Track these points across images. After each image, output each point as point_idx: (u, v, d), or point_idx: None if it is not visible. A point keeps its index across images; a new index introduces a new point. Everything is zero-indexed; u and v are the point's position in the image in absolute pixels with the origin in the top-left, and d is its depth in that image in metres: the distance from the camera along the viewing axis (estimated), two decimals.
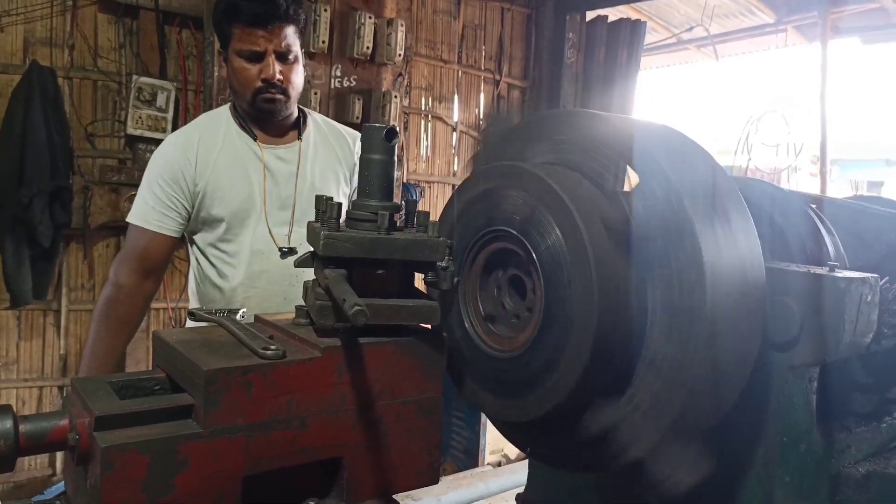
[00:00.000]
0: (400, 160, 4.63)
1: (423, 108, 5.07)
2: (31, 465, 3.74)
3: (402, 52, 4.33)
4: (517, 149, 1.12)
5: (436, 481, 0.99)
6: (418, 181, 5.04)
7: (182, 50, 3.88)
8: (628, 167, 0.95)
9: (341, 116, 4.27)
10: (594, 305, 0.87)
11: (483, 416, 3.52)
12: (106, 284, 1.94)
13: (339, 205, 0.91)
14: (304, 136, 1.97)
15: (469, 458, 3.90)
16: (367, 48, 4.20)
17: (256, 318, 1.03)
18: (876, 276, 1.00)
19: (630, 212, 0.94)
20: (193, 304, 2.07)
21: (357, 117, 4.25)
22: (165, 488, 0.77)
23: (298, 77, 1.89)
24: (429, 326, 0.97)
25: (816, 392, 1.02)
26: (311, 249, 0.98)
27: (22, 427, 0.78)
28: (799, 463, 1.02)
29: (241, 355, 0.84)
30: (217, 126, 1.94)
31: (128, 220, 1.92)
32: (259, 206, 1.89)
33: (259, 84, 1.82)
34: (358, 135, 2.04)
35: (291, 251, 1.86)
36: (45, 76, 3.48)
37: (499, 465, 3.06)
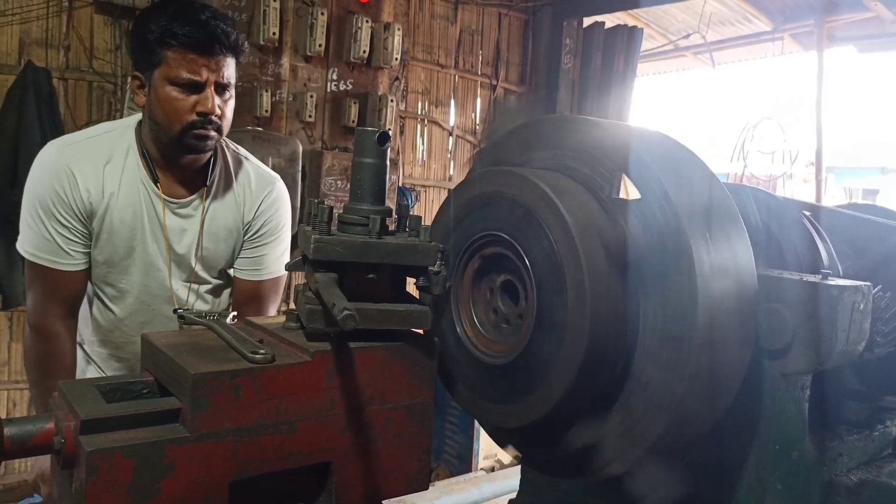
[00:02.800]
0: (395, 164, 4.63)
1: (419, 113, 5.08)
2: (22, 468, 3.71)
3: (398, 57, 4.34)
4: (513, 153, 1.11)
5: (425, 487, 0.98)
6: (414, 185, 5.04)
7: None
8: (624, 176, 0.95)
9: (337, 120, 4.28)
10: (586, 313, 0.87)
11: (476, 422, 3.51)
12: (33, 337, 1.75)
13: (331, 208, 0.90)
14: (210, 186, 1.77)
15: (462, 463, 3.89)
16: (364, 52, 4.20)
17: (246, 321, 1.02)
18: (868, 284, 1.00)
19: (624, 219, 0.94)
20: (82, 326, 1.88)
21: (353, 121, 4.25)
22: (151, 493, 0.76)
23: (231, 114, 1.71)
24: (420, 331, 0.97)
25: (809, 400, 1.02)
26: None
27: (7, 430, 0.77)
28: (791, 471, 1.01)
29: (229, 359, 0.83)
30: (116, 155, 1.71)
31: (29, 258, 1.69)
32: (151, 261, 1.75)
33: (193, 118, 1.61)
34: (272, 185, 1.89)
35: (181, 317, 1.19)
36: (40, 77, 3.47)
37: (492, 470, 3.05)
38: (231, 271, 1.91)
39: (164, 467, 0.76)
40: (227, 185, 1.83)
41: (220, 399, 0.79)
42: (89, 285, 1.81)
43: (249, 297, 1.92)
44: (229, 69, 1.65)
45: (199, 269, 1.83)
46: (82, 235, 1.70)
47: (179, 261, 1.79)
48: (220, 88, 1.64)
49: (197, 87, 1.61)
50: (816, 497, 1.09)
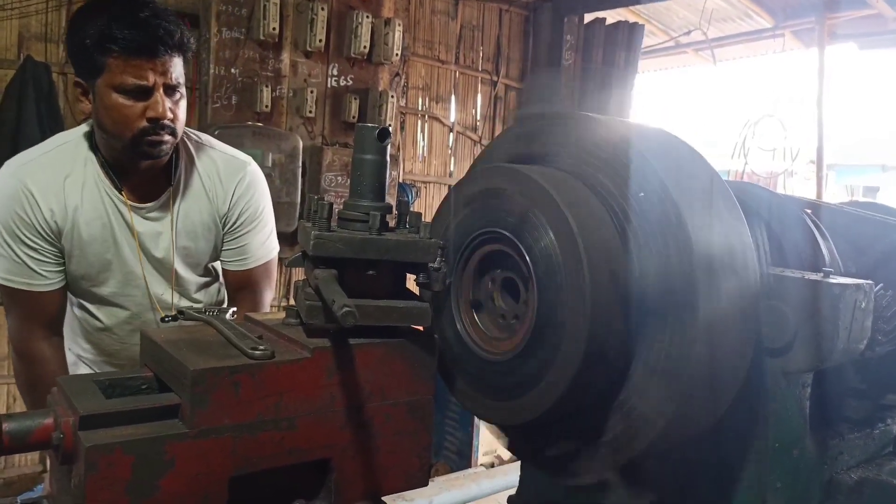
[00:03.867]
0: (396, 160, 4.62)
1: (419, 109, 5.07)
2: (22, 462, 3.71)
3: (399, 52, 4.33)
4: (513, 150, 1.11)
5: (425, 484, 0.98)
6: (414, 181, 5.04)
7: None
8: (625, 173, 0.95)
9: (337, 116, 4.27)
10: (587, 310, 0.87)
11: (476, 418, 3.51)
12: (20, 363, 1.72)
13: (331, 204, 0.90)
14: (176, 185, 1.71)
15: (462, 459, 3.89)
16: (365, 48, 4.20)
17: (246, 317, 1.02)
18: (870, 282, 1.00)
19: (625, 216, 0.93)
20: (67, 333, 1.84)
21: (353, 117, 4.25)
22: (150, 489, 0.76)
23: (184, 114, 1.63)
24: (420, 328, 0.97)
25: (810, 398, 1.02)
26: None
27: (5, 426, 0.77)
28: (791, 469, 1.01)
29: (229, 355, 0.83)
30: (76, 168, 1.64)
31: (2, 283, 1.64)
32: (128, 270, 1.70)
33: (144, 124, 1.53)
34: (242, 171, 1.81)
35: (180, 313, 1.23)
36: (40, 71, 3.46)
37: (492, 466, 3.06)
38: (217, 265, 1.88)
39: (164, 463, 0.76)
40: (194, 179, 1.75)
41: (220, 395, 0.79)
42: (73, 297, 1.78)
43: (241, 285, 1.87)
44: (177, 69, 1.57)
45: (180, 269, 1.78)
46: (52, 255, 1.65)
47: (159, 265, 1.74)
48: (170, 90, 1.56)
49: (145, 92, 1.52)
50: (817, 495, 1.08)
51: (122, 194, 1.66)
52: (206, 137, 1.85)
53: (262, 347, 0.83)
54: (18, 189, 1.60)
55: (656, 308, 0.90)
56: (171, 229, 1.73)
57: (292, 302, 0.98)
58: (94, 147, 1.66)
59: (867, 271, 1.19)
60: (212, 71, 3.75)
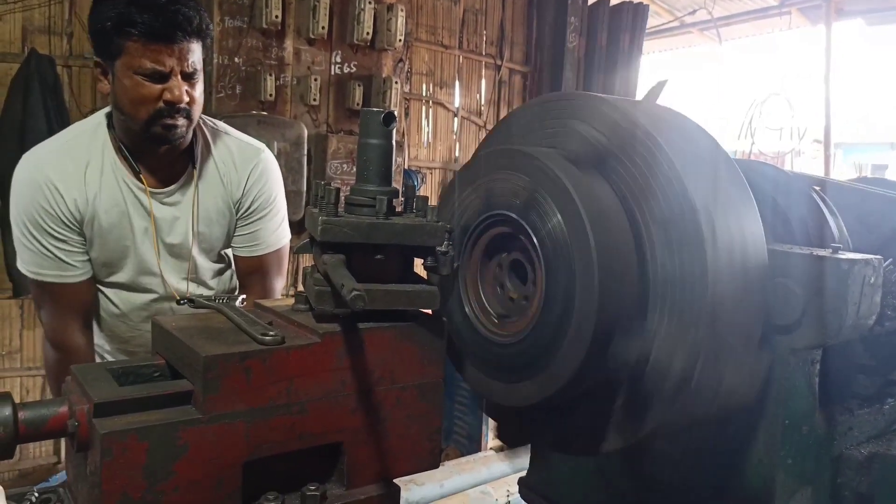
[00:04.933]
0: (401, 146, 4.61)
1: (423, 94, 5.05)
2: (37, 454, 3.76)
3: (402, 38, 4.30)
4: (521, 132, 1.11)
5: (436, 466, 0.99)
6: (419, 167, 5.03)
7: None
8: (630, 152, 0.94)
9: (342, 103, 4.26)
10: (595, 290, 0.87)
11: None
12: (55, 354, 1.74)
13: (338, 190, 0.90)
14: (197, 170, 1.72)
15: (472, 443, 3.91)
16: (368, 34, 4.17)
17: (256, 304, 1.03)
18: (879, 258, 0.99)
19: (632, 196, 0.93)
20: None
21: (357, 104, 4.23)
22: (165, 474, 0.77)
23: (202, 99, 1.65)
24: (429, 311, 0.97)
25: (819, 374, 1.02)
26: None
27: (21, 414, 0.78)
28: (801, 445, 1.02)
29: (239, 341, 0.84)
30: (94, 156, 1.66)
31: (34, 277, 1.67)
32: (145, 257, 1.72)
33: (160, 106, 1.56)
34: (256, 158, 1.83)
35: (191, 301, 1.22)
36: (44, 64, 3.46)
37: (501, 449, 3.07)
38: (229, 251, 1.89)
39: (178, 448, 0.77)
40: (210, 165, 1.77)
41: (231, 381, 0.79)
42: (105, 313, 1.80)
43: (252, 272, 1.88)
44: (195, 55, 1.58)
45: (197, 255, 1.79)
46: (80, 244, 1.67)
47: (175, 251, 1.75)
48: (187, 75, 1.58)
49: (162, 77, 1.54)
50: (826, 471, 1.09)
51: (140, 179, 1.67)
52: (220, 124, 1.86)
53: (272, 333, 0.84)
54: (41, 181, 1.62)
55: (664, 286, 0.90)
56: (191, 214, 1.74)
57: (301, 288, 0.99)
58: (111, 133, 1.67)
59: (876, 247, 1.18)
60: (215, 60, 3.74)
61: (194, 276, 1.82)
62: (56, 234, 1.64)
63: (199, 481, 0.79)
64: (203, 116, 1.76)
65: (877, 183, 1.51)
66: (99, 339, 1.87)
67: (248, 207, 1.82)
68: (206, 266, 1.84)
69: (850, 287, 0.94)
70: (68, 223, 1.64)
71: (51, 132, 3.55)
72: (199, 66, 1.61)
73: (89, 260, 1.70)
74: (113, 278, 1.75)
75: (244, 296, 1.04)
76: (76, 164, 1.64)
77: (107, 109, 1.70)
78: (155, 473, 0.76)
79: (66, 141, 1.69)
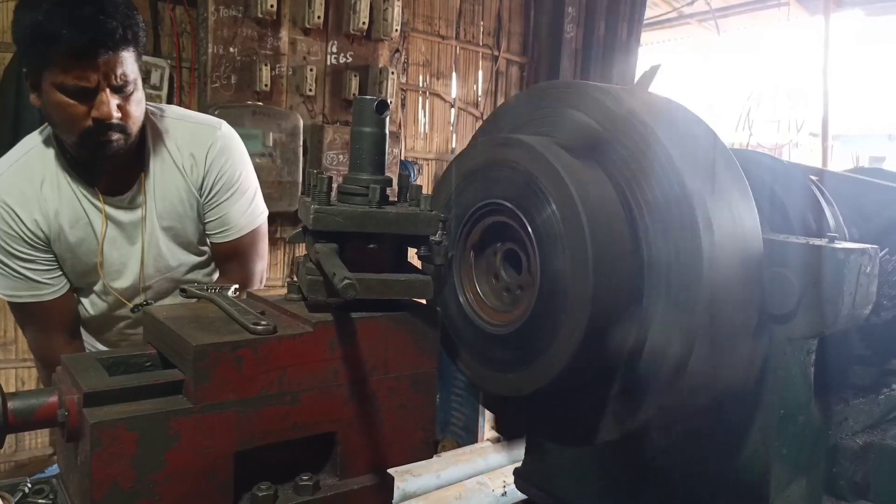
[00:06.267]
0: (397, 137, 4.60)
1: (420, 85, 5.02)
2: (32, 445, 3.76)
3: (398, 28, 4.28)
4: (516, 121, 1.10)
5: (430, 456, 0.98)
6: (416, 158, 5.01)
7: (175, 27, 3.84)
8: (624, 141, 0.94)
9: (338, 94, 4.24)
10: (589, 280, 0.86)
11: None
12: (46, 371, 1.69)
13: (330, 178, 0.89)
14: (146, 168, 1.64)
15: (469, 434, 3.92)
16: (364, 24, 4.15)
17: (248, 293, 1.02)
18: (875, 247, 0.99)
19: (627, 184, 0.93)
20: None
21: (354, 94, 4.21)
22: (156, 464, 0.76)
23: (140, 107, 1.53)
24: (423, 301, 0.96)
25: (815, 364, 1.01)
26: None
27: (10, 404, 0.77)
28: (797, 435, 1.01)
29: (231, 331, 0.83)
30: (48, 172, 1.59)
31: (10, 300, 1.63)
32: (119, 265, 1.68)
33: (89, 124, 1.45)
34: (212, 137, 1.72)
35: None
36: None
37: (498, 440, 3.08)
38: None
39: (169, 438, 0.76)
40: (165, 159, 1.68)
41: (223, 370, 0.79)
42: (87, 319, 1.78)
43: (229, 258, 1.82)
44: (124, 65, 1.45)
45: (169, 252, 1.75)
46: (49, 262, 1.62)
47: (147, 253, 1.71)
48: (117, 88, 1.46)
49: (88, 94, 1.43)
50: (822, 461, 1.09)
51: (95, 189, 1.61)
52: (171, 109, 1.77)
53: (263, 322, 0.83)
54: (6, 212, 1.56)
55: (660, 276, 0.89)
56: (154, 214, 1.68)
57: (294, 278, 0.98)
58: (60, 146, 1.60)
59: (873, 237, 1.18)
60: (210, 50, 3.71)
61: (170, 274, 1.77)
62: (23, 256, 1.59)
63: (191, 471, 0.78)
64: (150, 106, 1.67)
65: (873, 174, 1.51)
66: (87, 337, 1.85)
67: (212, 189, 1.72)
68: (184, 261, 1.79)
69: (847, 277, 0.93)
70: (33, 243, 1.59)
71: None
72: (132, 75, 1.48)
73: (63, 275, 1.66)
74: (93, 288, 1.72)
75: (237, 285, 1.03)
76: (31, 184, 1.57)
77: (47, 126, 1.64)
78: (146, 463, 0.75)
79: (16, 160, 1.61)
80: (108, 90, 1.44)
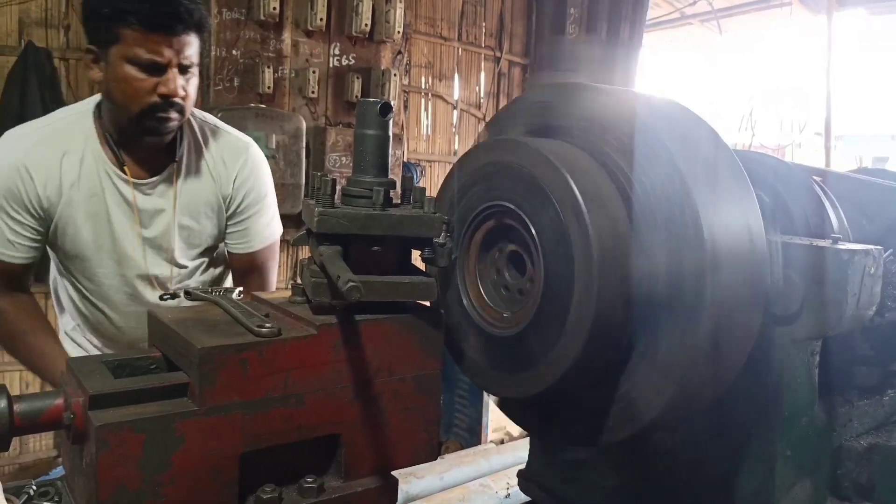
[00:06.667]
0: (400, 139, 4.60)
1: (423, 87, 5.03)
2: (37, 447, 3.76)
3: (400, 30, 4.29)
4: (518, 123, 1.10)
5: (434, 458, 0.98)
6: (419, 160, 5.02)
7: None
8: (631, 141, 0.94)
9: (340, 96, 4.25)
10: (594, 282, 0.86)
11: (486, 395, 3.53)
12: None
13: (334, 181, 0.89)
14: (179, 162, 1.70)
15: (472, 436, 3.92)
16: (366, 26, 4.16)
17: (252, 296, 1.02)
18: (879, 248, 0.99)
19: (630, 186, 0.93)
20: (65, 320, 1.86)
21: (356, 96, 4.22)
22: (162, 466, 0.76)
23: (195, 93, 1.63)
24: (427, 303, 0.97)
25: (818, 365, 1.01)
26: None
27: (17, 406, 0.78)
28: (801, 437, 1.01)
29: (236, 333, 0.83)
30: (74, 145, 1.63)
31: None
32: (125, 250, 1.70)
33: (154, 99, 1.53)
34: (245, 154, 1.80)
35: (173, 296, 1.20)
36: (41, 57, 3.46)
37: (501, 442, 3.07)
38: (222, 248, 1.87)
39: (174, 440, 0.77)
40: (198, 158, 1.74)
41: (228, 373, 0.79)
42: (70, 282, 1.78)
43: (248, 269, 1.87)
44: (192, 48, 1.55)
45: (178, 248, 1.76)
46: (33, 231, 1.65)
47: (155, 244, 1.73)
48: (183, 68, 1.55)
49: (158, 68, 1.51)
50: (826, 462, 1.09)
51: (124, 171, 1.65)
52: (209, 117, 1.84)
53: (268, 325, 0.83)
54: (14, 164, 1.60)
55: (664, 279, 0.89)
56: (173, 206, 1.71)
57: (298, 280, 0.98)
58: (98, 122, 1.65)
59: (877, 238, 1.18)
60: (213, 52, 3.72)
61: (177, 272, 1.78)
62: (14, 215, 1.62)
63: (196, 473, 0.79)
64: (193, 110, 1.73)
65: (877, 174, 1.51)
66: (84, 332, 1.85)
67: (240, 204, 1.80)
68: (190, 261, 1.81)
69: (850, 277, 0.93)
70: (31, 209, 1.62)
71: None
72: (196, 59, 1.58)
73: (35, 249, 1.68)
74: (92, 273, 1.73)
75: (241, 288, 1.03)
76: (54, 152, 1.62)
77: (97, 98, 1.68)
78: (151, 465, 0.76)
79: (47, 125, 1.67)
80: (176, 68, 1.52)
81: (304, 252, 3.92)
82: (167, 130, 1.60)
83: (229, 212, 1.80)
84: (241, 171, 1.79)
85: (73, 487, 0.86)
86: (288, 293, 0.99)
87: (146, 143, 1.64)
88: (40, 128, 1.66)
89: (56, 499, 0.92)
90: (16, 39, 3.53)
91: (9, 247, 1.65)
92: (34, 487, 0.94)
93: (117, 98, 1.56)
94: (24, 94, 3.37)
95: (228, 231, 1.83)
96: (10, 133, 1.67)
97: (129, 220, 1.69)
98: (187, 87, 1.57)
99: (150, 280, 1.75)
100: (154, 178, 1.69)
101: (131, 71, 1.51)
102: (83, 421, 0.76)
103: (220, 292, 1.00)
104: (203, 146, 1.76)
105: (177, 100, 1.55)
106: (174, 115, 1.57)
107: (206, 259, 1.85)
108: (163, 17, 1.48)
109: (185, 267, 1.80)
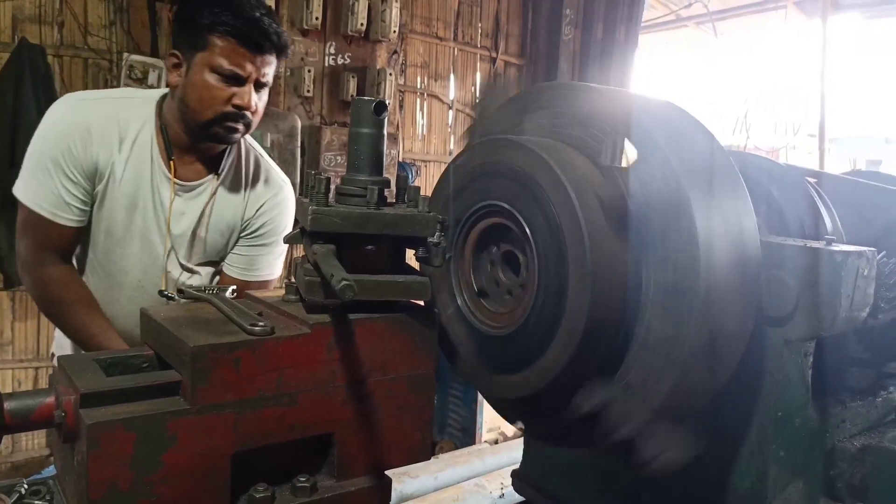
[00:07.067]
0: (395, 139, 4.60)
1: (418, 87, 5.03)
2: (29, 446, 3.75)
3: (396, 29, 4.29)
4: (513, 122, 1.10)
5: (428, 458, 0.98)
6: (414, 160, 5.01)
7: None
8: (625, 141, 0.94)
9: (335, 95, 4.24)
10: (588, 282, 0.86)
11: (479, 395, 3.53)
12: (36, 285, 1.72)
13: (328, 179, 0.89)
14: (220, 174, 1.78)
15: (466, 436, 3.92)
16: (362, 25, 4.15)
17: (246, 294, 1.02)
18: (873, 249, 0.99)
19: (625, 187, 0.93)
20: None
21: (352, 95, 4.22)
22: (153, 465, 0.76)
23: (263, 110, 1.73)
24: (421, 302, 0.96)
25: (812, 367, 1.02)
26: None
27: (7, 404, 0.77)
28: (793, 438, 1.01)
29: (228, 332, 0.83)
30: (132, 126, 1.69)
31: (30, 206, 1.66)
32: (151, 239, 1.75)
33: (228, 109, 1.62)
34: (280, 188, 1.88)
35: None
36: (35, 54, 3.44)
37: (495, 442, 3.08)
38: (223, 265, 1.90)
39: (166, 439, 0.76)
40: (236, 177, 1.82)
41: (220, 371, 0.78)
42: (79, 259, 1.80)
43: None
44: (271, 68, 1.66)
45: (193, 255, 1.81)
46: (85, 194, 1.69)
47: (176, 243, 1.78)
48: (260, 86, 1.65)
49: (238, 81, 1.61)
50: (819, 463, 1.09)
51: (170, 165, 1.71)
52: (258, 146, 1.93)
53: (261, 324, 0.83)
54: (77, 124, 1.65)
55: (657, 279, 0.89)
56: (199, 214, 1.77)
57: (292, 279, 0.98)
58: (159, 115, 1.71)
59: (871, 240, 1.18)
60: None
61: (186, 275, 1.83)
62: (70, 177, 1.66)
63: (188, 472, 0.78)
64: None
65: (870, 177, 1.51)
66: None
67: (257, 229, 1.85)
68: (201, 267, 1.85)
69: (844, 279, 0.93)
70: (86, 172, 1.67)
71: (39, 120, 3.52)
72: (271, 81, 1.69)
73: (86, 212, 1.72)
74: (116, 256, 1.76)
75: (234, 286, 1.03)
76: (115, 123, 1.68)
77: (159, 92, 1.75)
78: (143, 464, 0.75)
79: (110, 98, 1.75)
80: (253, 83, 1.63)
81: (298, 250, 3.91)
82: (231, 140, 1.69)
83: (243, 233, 1.86)
84: (269, 201, 1.86)
85: (65, 486, 0.85)
86: (281, 292, 0.98)
87: (200, 148, 1.72)
88: (105, 97, 1.76)
89: (48, 498, 0.91)
90: (9, 35, 3.52)
91: (65, 209, 1.68)
92: (25, 486, 0.93)
93: (192, 102, 1.63)
94: (17, 91, 3.35)
95: (235, 252, 1.87)
96: (71, 96, 1.74)
97: (162, 214, 1.74)
98: (259, 103, 1.66)
99: (164, 276, 1.79)
100: (191, 183, 1.75)
101: (212, 79, 1.60)
102: (74, 419, 0.76)
103: (213, 291, 1.00)
104: (244, 167, 1.83)
105: (247, 113, 1.63)
106: (241, 126, 1.66)
107: (212, 270, 1.90)
108: (254, 35, 1.58)
109: (196, 273, 1.84)
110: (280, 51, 1.66)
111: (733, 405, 1.01)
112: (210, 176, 1.77)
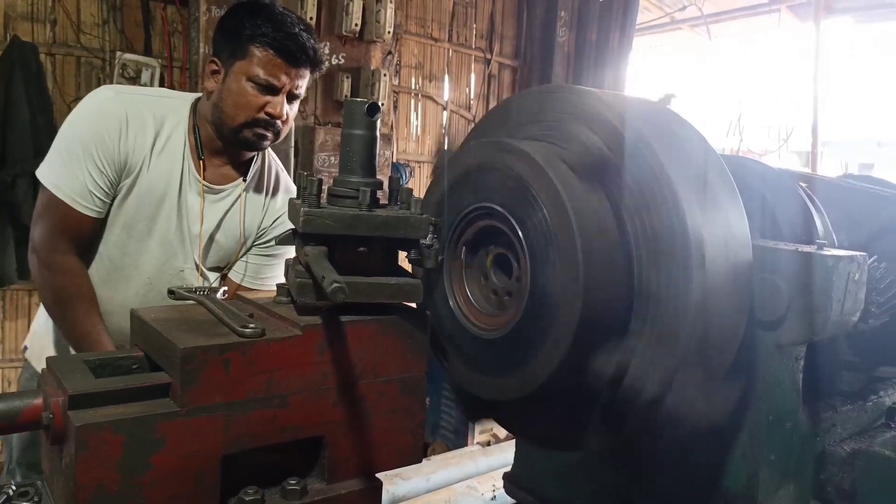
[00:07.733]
0: (389, 140, 4.59)
1: (412, 87, 5.02)
2: None
3: (391, 30, 4.27)
4: (506, 124, 1.10)
5: (419, 460, 0.98)
6: (408, 161, 5.01)
7: (167, 26, 3.82)
8: (615, 145, 0.94)
9: (329, 95, 4.23)
10: (580, 283, 0.86)
11: None
12: (45, 273, 1.71)
13: (320, 181, 0.89)
14: (247, 182, 1.83)
15: (459, 438, 3.92)
16: (356, 25, 4.14)
17: (237, 296, 1.01)
18: (864, 254, 0.99)
19: (618, 190, 0.93)
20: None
21: (345, 96, 4.20)
22: (142, 467, 0.75)
23: (292, 122, 1.79)
24: (413, 305, 0.96)
25: (803, 371, 1.02)
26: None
27: None
28: (784, 441, 1.02)
29: (219, 333, 0.82)
30: (167, 124, 1.73)
31: (52, 190, 1.66)
32: (170, 236, 1.76)
33: (260, 116, 1.67)
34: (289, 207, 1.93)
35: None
36: (27, 52, 3.41)
37: (488, 444, 3.07)
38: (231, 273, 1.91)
39: (155, 442, 0.76)
40: (258, 186, 1.87)
41: (210, 373, 0.78)
42: (94, 265, 1.79)
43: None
44: (304, 81, 1.72)
45: (206, 257, 1.83)
46: (109, 184, 1.70)
47: (193, 243, 1.80)
48: (292, 97, 1.70)
49: (272, 90, 1.66)
50: (810, 467, 1.09)
51: (200, 164, 1.74)
52: (277, 159, 1.98)
53: (252, 325, 0.82)
54: (116, 114, 1.66)
55: (650, 283, 0.89)
56: (220, 218, 1.79)
57: (283, 281, 0.97)
58: (194, 116, 1.76)
59: (862, 244, 1.19)
60: (202, 50, 3.69)
61: (200, 272, 1.84)
62: (98, 165, 1.66)
63: (177, 475, 0.78)
64: (271, 149, 1.89)
65: (863, 180, 1.52)
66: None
67: (270, 239, 1.88)
68: (212, 270, 1.87)
69: (835, 283, 0.94)
70: (115, 163, 1.68)
71: (34, 122, 3.50)
72: (303, 94, 1.74)
73: (107, 205, 1.72)
74: (133, 251, 1.76)
75: (225, 287, 1.02)
76: (152, 119, 1.70)
77: (194, 95, 1.79)
78: (131, 467, 0.75)
79: (150, 95, 1.78)
80: (286, 94, 1.68)
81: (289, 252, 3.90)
82: (260, 146, 1.74)
83: (257, 241, 1.88)
84: (286, 213, 1.85)
85: (53, 488, 0.84)
86: (273, 293, 0.98)
87: (229, 153, 1.76)
88: (145, 93, 1.79)
89: (36, 499, 0.90)
90: (1, 33, 3.49)
91: (87, 198, 1.68)
92: (14, 488, 0.92)
93: (226, 107, 1.68)
94: (8, 89, 3.33)
95: (245, 260, 1.89)
96: (110, 87, 1.79)
97: (186, 213, 1.76)
98: (290, 113, 1.72)
99: (177, 273, 1.80)
100: (217, 186, 1.78)
101: (247, 87, 1.65)
102: (63, 421, 0.75)
103: (204, 292, 0.99)
104: (266, 177, 1.87)
105: (278, 122, 1.69)
106: (270, 134, 1.71)
107: (217, 276, 1.90)
108: (291, 48, 1.64)
109: (206, 277, 1.85)
110: (315, 65, 1.72)
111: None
112: (237, 181, 1.81)
